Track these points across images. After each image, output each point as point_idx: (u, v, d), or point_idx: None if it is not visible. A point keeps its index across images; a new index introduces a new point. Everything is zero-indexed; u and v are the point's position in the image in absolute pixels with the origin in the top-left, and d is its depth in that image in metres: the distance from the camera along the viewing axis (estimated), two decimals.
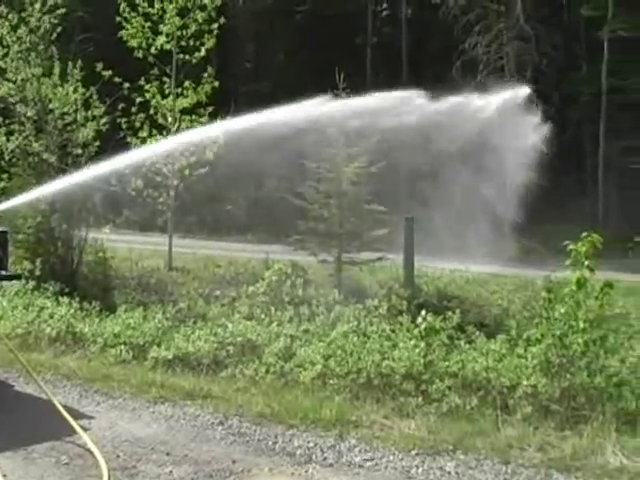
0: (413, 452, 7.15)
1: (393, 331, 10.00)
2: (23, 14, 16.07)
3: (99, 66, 16.43)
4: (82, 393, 9.05)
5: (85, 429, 7.51)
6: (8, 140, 15.68)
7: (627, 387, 7.96)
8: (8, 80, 15.73)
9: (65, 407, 7.95)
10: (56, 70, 15.82)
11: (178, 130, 16.84)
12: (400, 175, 17.21)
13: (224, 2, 17.27)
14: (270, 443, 7.42)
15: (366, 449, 7.25)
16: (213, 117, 16.88)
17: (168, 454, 7.08)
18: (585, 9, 33.03)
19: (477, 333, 10.00)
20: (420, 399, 8.39)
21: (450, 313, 10.02)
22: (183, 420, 8.11)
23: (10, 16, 15.89)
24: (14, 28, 15.88)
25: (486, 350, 9.22)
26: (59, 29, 16.34)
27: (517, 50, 31.64)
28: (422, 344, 9.13)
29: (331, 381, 8.99)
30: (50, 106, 15.73)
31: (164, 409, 8.45)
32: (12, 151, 15.78)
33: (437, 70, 35.02)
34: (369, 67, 39.34)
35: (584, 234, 8.44)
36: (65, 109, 15.68)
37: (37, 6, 15.95)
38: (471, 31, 32.42)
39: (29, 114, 15.76)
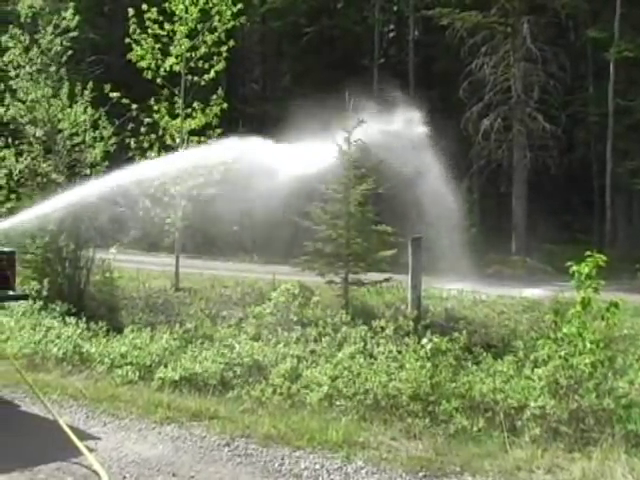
0: (420, 474, 7.11)
1: (400, 352, 9.98)
2: (35, 36, 16.21)
3: (107, 87, 16.49)
4: (89, 414, 9.03)
5: (91, 450, 7.50)
6: (17, 161, 15.76)
7: (636, 409, 7.91)
8: (19, 100, 15.85)
9: (71, 428, 7.94)
10: (65, 91, 15.93)
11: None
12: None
13: (234, 25, 17.30)
14: (277, 465, 7.38)
15: (373, 471, 7.21)
16: (221, 139, 16.94)
17: (174, 475, 7.05)
18: (592, 31, 33.16)
19: (484, 354, 9.99)
20: (427, 420, 8.35)
21: (457, 334, 10.01)
22: (189, 441, 8.08)
23: (22, 38, 16.02)
24: (26, 50, 16.01)
25: (493, 371, 9.21)
26: (70, 51, 16.46)
27: (524, 71, 31.72)
28: (429, 365, 9.11)
29: (338, 402, 8.96)
30: (59, 127, 15.82)
31: (170, 430, 8.42)
32: (21, 171, 15.85)
33: (444, 91, 35.19)
34: (376, 88, 39.43)
35: (587, 255, 8.44)
36: (74, 130, 15.77)
37: (49, 29, 16.09)
38: (478, 52, 32.53)
39: (38, 134, 15.85)
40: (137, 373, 10.40)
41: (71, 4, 16.77)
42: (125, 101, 16.79)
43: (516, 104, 31.88)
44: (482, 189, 34.77)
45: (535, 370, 8.62)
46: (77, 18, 16.51)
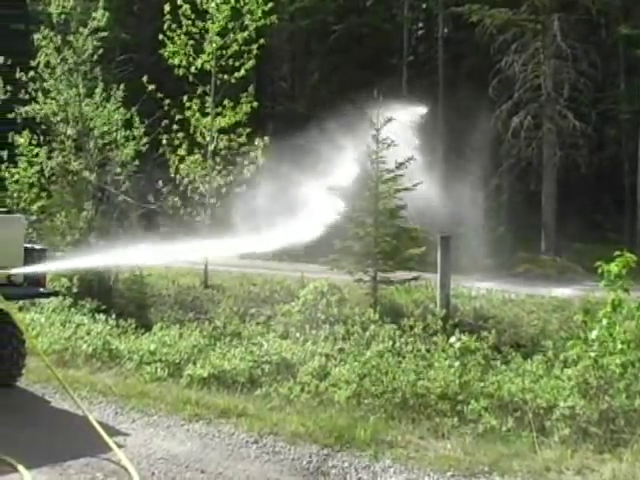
0: (449, 473, 7.08)
1: (428, 351, 9.97)
2: (66, 37, 16.36)
3: (144, 79, 16.56)
4: (118, 410, 9.09)
5: (120, 446, 7.55)
6: (49, 158, 15.92)
7: None
8: (52, 99, 16.00)
9: (101, 424, 8.00)
10: (98, 91, 16.07)
11: (215, 149, 16.94)
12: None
13: (264, 23, 17.32)
14: (304, 463, 7.39)
15: (401, 470, 7.19)
16: (250, 137, 16.97)
17: (203, 472, 7.09)
18: (624, 28, 32.79)
19: (513, 353, 9.95)
20: (456, 420, 8.33)
21: (486, 333, 9.97)
22: (218, 438, 8.11)
23: (54, 38, 16.18)
24: (58, 50, 16.16)
25: (522, 371, 9.16)
26: (101, 51, 16.61)
27: (554, 68, 31.44)
28: (457, 364, 9.08)
29: (366, 400, 8.96)
30: (91, 125, 15.95)
31: (199, 427, 8.46)
32: (52, 169, 16.00)
33: (473, 89, 34.97)
34: (405, 86, 39.31)
35: (618, 254, 8.36)
36: (105, 128, 15.89)
37: (82, 30, 16.25)
38: (507, 50, 32.30)
39: (69, 133, 16.00)
40: (166, 370, 10.47)
41: (101, 4, 16.90)
42: (158, 96, 16.83)
43: (546, 102, 31.61)
44: (511, 187, 34.50)
45: (565, 370, 8.57)
46: (106, 16, 16.65)
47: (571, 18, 31.55)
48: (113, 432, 8.04)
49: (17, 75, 16.16)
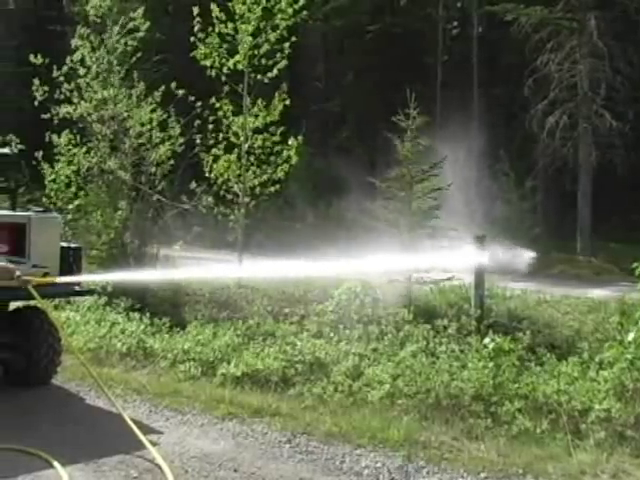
0: (482, 475, 7.05)
1: (462, 351, 9.92)
2: (103, 36, 16.48)
3: (173, 85, 16.62)
4: (152, 408, 9.15)
5: (154, 444, 7.59)
6: (85, 157, 16.04)
7: None
8: (84, 100, 16.12)
9: (135, 421, 8.03)
10: (135, 91, 16.17)
11: (250, 149, 16.95)
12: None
13: (295, 22, 17.31)
14: (337, 462, 7.39)
15: (434, 471, 7.17)
16: (284, 137, 16.96)
17: (236, 471, 7.11)
18: None
19: (548, 355, 9.87)
20: (489, 421, 8.28)
21: (520, 334, 9.91)
22: (251, 437, 8.13)
23: (91, 37, 16.30)
24: (94, 49, 16.29)
25: (557, 372, 9.08)
26: (139, 53, 16.72)
27: (590, 67, 31.13)
28: (491, 365, 9.03)
29: (399, 401, 8.94)
30: (127, 125, 16.05)
31: (232, 426, 8.49)
32: (89, 169, 16.13)
33: (508, 88, 34.76)
34: (439, 86, 39.16)
35: None
36: (142, 129, 15.97)
37: (116, 29, 16.36)
38: (543, 48, 32.04)
39: (105, 132, 16.12)
40: (200, 369, 10.52)
41: (141, 7, 16.99)
42: (191, 98, 16.87)
43: (582, 101, 31.31)
44: (547, 187, 34.26)
45: (600, 372, 8.49)
46: (147, 24, 16.75)
47: (608, 16, 31.23)
48: (147, 430, 8.09)
49: (54, 74, 16.26)
